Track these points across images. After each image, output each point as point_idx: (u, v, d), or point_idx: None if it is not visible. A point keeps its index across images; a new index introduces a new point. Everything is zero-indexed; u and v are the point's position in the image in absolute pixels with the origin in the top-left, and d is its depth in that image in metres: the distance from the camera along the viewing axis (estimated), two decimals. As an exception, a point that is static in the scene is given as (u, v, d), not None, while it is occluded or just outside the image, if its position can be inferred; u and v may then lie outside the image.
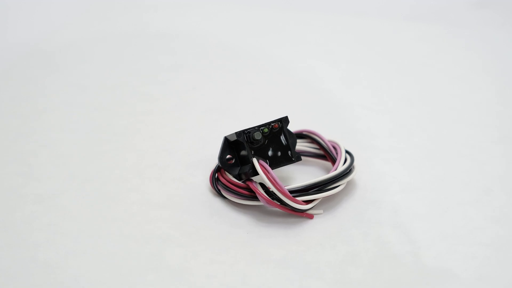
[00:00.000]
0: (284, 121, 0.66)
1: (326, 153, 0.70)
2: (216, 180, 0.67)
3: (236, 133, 0.64)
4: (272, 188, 0.61)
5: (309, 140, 0.72)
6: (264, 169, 0.62)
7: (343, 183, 0.65)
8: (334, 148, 0.69)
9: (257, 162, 0.62)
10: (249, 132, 0.64)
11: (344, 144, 0.70)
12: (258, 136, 0.64)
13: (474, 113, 0.84)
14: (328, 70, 0.97)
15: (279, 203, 0.62)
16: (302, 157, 0.72)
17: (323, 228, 0.63)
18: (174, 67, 0.95)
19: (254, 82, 0.92)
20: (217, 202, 0.66)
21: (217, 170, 0.67)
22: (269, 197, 0.62)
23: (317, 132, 0.71)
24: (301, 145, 0.71)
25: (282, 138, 0.65)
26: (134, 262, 0.58)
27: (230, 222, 0.64)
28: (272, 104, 0.85)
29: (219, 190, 0.66)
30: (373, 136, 0.78)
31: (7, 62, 0.93)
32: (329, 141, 0.70)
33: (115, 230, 0.62)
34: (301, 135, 0.72)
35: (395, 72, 0.97)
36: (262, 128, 0.65)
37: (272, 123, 0.65)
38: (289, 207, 0.62)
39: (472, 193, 0.67)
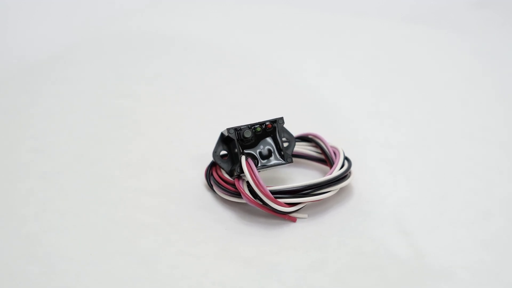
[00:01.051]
0: (279, 121, 0.65)
1: (326, 158, 0.69)
2: (210, 175, 0.67)
3: (227, 129, 0.64)
4: (254, 187, 0.61)
5: (313, 144, 0.71)
6: (249, 167, 0.62)
7: (332, 189, 0.64)
8: (335, 153, 0.68)
9: (244, 160, 0.62)
10: (240, 129, 0.64)
11: (344, 150, 0.68)
12: (247, 134, 0.64)
13: (477, 121, 0.81)
14: (328, 71, 0.96)
15: (261, 203, 0.62)
16: (304, 160, 0.72)
17: (303, 233, 0.62)
18: (182, 65, 0.96)
19: (258, 82, 0.92)
20: (207, 196, 0.67)
21: (213, 164, 0.68)
22: (253, 196, 0.62)
23: (321, 136, 0.70)
24: (304, 148, 0.71)
25: (277, 138, 0.65)
26: (107, 244, 0.60)
27: (213, 216, 0.64)
28: (276, 105, 0.85)
29: (212, 185, 0.67)
30: (378, 145, 0.76)
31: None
32: (332, 146, 0.69)
33: (101, 212, 0.64)
34: (306, 138, 0.71)
35: (395, 73, 0.95)
36: (254, 126, 0.65)
37: (267, 122, 0.65)
38: (270, 208, 0.62)
39: (469, 214, 0.64)
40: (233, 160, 0.65)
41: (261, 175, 0.68)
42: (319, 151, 0.70)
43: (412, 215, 0.64)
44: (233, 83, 0.90)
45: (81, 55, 0.97)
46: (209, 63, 0.96)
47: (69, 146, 0.75)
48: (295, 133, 0.71)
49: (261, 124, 0.65)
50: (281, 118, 0.65)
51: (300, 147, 0.71)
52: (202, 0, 1.18)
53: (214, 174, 0.67)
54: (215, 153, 0.66)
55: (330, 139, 0.71)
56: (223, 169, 0.66)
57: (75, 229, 0.62)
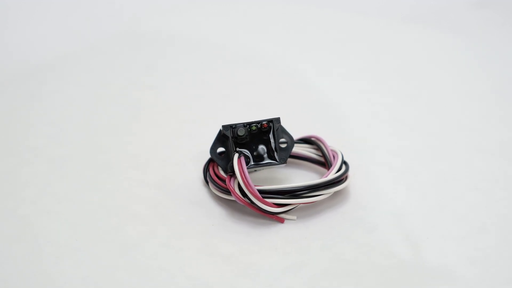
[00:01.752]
0: (276, 121, 0.65)
1: (326, 161, 0.68)
2: (206, 171, 0.68)
3: (223, 126, 0.65)
4: (242, 186, 0.61)
5: (315, 146, 0.71)
6: (239, 165, 0.62)
7: (324, 193, 0.63)
8: (334, 157, 0.68)
9: (237, 158, 0.63)
10: (235, 127, 0.64)
11: (348, 154, 0.68)
12: (241, 132, 0.64)
13: (478, 125, 0.80)
14: (327, 71, 0.95)
15: (249, 202, 0.62)
16: (304, 162, 0.71)
17: (288, 234, 0.62)
18: (185, 65, 0.96)
19: (268, 82, 0.92)
20: (203, 191, 0.67)
21: (212, 161, 0.68)
22: (242, 194, 0.62)
23: (322, 139, 0.69)
24: (305, 150, 0.70)
25: (273, 138, 0.65)
26: (94, 230, 0.62)
27: (203, 212, 0.65)
28: (283, 106, 0.84)
29: (208, 181, 0.67)
30: (385, 152, 0.74)
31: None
32: (332, 150, 0.68)
33: (96, 200, 0.66)
34: (308, 141, 0.71)
35: (395, 74, 0.94)
36: (250, 125, 0.65)
37: (263, 122, 0.65)
38: (258, 207, 0.62)
39: (463, 229, 0.62)
40: (229, 157, 0.66)
41: (258, 174, 0.69)
42: (320, 153, 0.70)
43: (404, 226, 0.63)
44: (252, 83, 0.90)
45: (82, 56, 0.99)
46: (219, 63, 0.97)
47: (79, 135, 0.77)
48: (300, 134, 0.71)
49: (257, 123, 0.65)
50: (278, 119, 0.65)
51: (302, 149, 0.71)
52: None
53: (210, 170, 0.67)
54: (212, 149, 0.67)
55: (336, 143, 0.70)
56: (219, 165, 0.67)
57: (67, 214, 0.64)
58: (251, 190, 0.61)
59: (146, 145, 0.76)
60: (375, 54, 1.01)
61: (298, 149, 0.71)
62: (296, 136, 0.71)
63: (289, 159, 0.71)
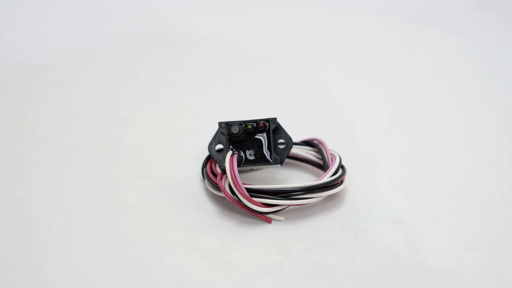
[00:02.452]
0: (272, 121, 0.65)
1: (324, 165, 0.68)
2: (204, 166, 0.68)
3: (219, 123, 0.65)
4: (231, 183, 0.62)
5: (316, 149, 0.70)
6: (231, 163, 0.62)
7: (314, 196, 0.63)
8: (332, 161, 0.67)
9: (229, 156, 0.63)
10: (230, 124, 0.65)
11: (347, 159, 0.67)
12: (235, 130, 0.64)
13: (491, 138, 0.77)
14: (327, 71, 0.94)
15: (237, 200, 0.62)
16: (305, 164, 0.71)
17: (273, 235, 0.62)
18: (191, 65, 0.96)
19: (277, 82, 0.92)
20: (199, 187, 0.68)
21: (211, 157, 0.69)
22: (231, 192, 0.62)
23: (323, 142, 0.69)
24: (306, 152, 0.70)
25: (268, 138, 0.65)
26: (85, 218, 0.64)
27: (195, 206, 0.65)
28: (288, 106, 0.84)
29: (204, 176, 0.68)
30: (391, 160, 0.73)
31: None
32: (332, 153, 0.68)
33: (94, 188, 0.68)
34: (310, 143, 0.71)
35: (394, 73, 0.93)
36: (246, 123, 0.65)
37: (259, 121, 0.65)
38: (245, 206, 0.62)
39: (453, 243, 0.61)
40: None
41: (256, 173, 0.69)
42: (320, 156, 0.69)
43: (394, 235, 0.61)
44: (268, 83, 0.91)
45: (84, 55, 1.00)
46: (225, 62, 0.97)
47: (91, 125, 0.79)
48: (308, 136, 0.71)
49: (253, 122, 0.65)
50: (274, 119, 0.65)
51: (304, 151, 0.70)
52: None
53: (207, 166, 0.68)
54: (210, 145, 0.67)
55: (344, 148, 0.69)
56: (216, 162, 0.67)
57: (63, 199, 0.66)
58: (239, 189, 0.61)
59: (153, 138, 0.77)
60: (375, 54, 0.99)
61: (300, 151, 0.70)
62: (301, 138, 0.71)
63: (290, 160, 0.71)
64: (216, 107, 0.83)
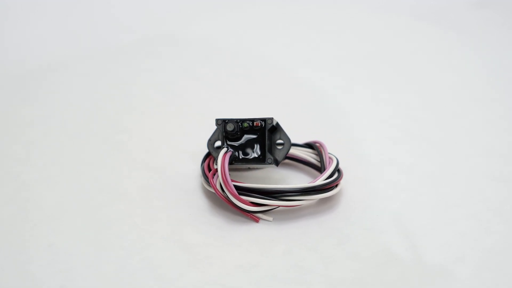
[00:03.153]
0: (268, 121, 0.65)
1: (322, 167, 0.68)
2: (203, 162, 0.69)
3: (216, 119, 0.66)
4: (220, 181, 0.62)
5: (316, 152, 0.70)
6: (222, 160, 0.63)
7: (305, 199, 0.62)
8: (329, 164, 0.67)
9: (222, 153, 0.63)
10: (227, 122, 0.65)
11: (348, 164, 0.67)
12: (230, 127, 0.65)
13: (501, 150, 0.75)
14: (327, 71, 0.93)
15: (226, 197, 0.63)
16: (305, 166, 0.70)
17: (258, 234, 0.62)
18: (194, 66, 0.96)
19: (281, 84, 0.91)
20: (197, 181, 0.69)
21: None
22: (221, 189, 0.63)
23: (324, 145, 0.68)
24: (307, 154, 0.70)
25: (264, 138, 0.65)
26: (78, 203, 0.65)
27: (187, 201, 0.66)
28: (299, 110, 0.83)
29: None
30: (395, 168, 0.72)
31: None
32: (330, 157, 0.67)
33: (94, 175, 0.69)
34: (311, 145, 0.70)
35: (394, 73, 0.92)
36: (242, 122, 0.65)
37: (255, 120, 0.65)
38: (233, 203, 0.62)
39: (442, 257, 0.59)
40: (225, 151, 0.67)
41: (254, 172, 0.69)
42: (319, 159, 0.69)
43: (382, 243, 0.61)
44: (273, 84, 0.91)
45: (84, 56, 1.00)
46: (224, 63, 0.97)
47: (103, 116, 0.81)
48: (310, 139, 0.71)
49: (249, 120, 0.65)
50: (270, 119, 0.65)
51: (304, 153, 0.70)
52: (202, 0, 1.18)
53: (206, 162, 0.68)
54: (209, 141, 0.68)
55: (347, 154, 0.69)
56: (214, 157, 0.68)
57: (63, 184, 0.68)
58: (228, 186, 0.61)
59: (163, 131, 0.78)
60: (376, 54, 0.98)
61: (300, 152, 0.70)
62: (307, 140, 0.70)
63: (290, 162, 0.71)
64: (228, 105, 0.84)
